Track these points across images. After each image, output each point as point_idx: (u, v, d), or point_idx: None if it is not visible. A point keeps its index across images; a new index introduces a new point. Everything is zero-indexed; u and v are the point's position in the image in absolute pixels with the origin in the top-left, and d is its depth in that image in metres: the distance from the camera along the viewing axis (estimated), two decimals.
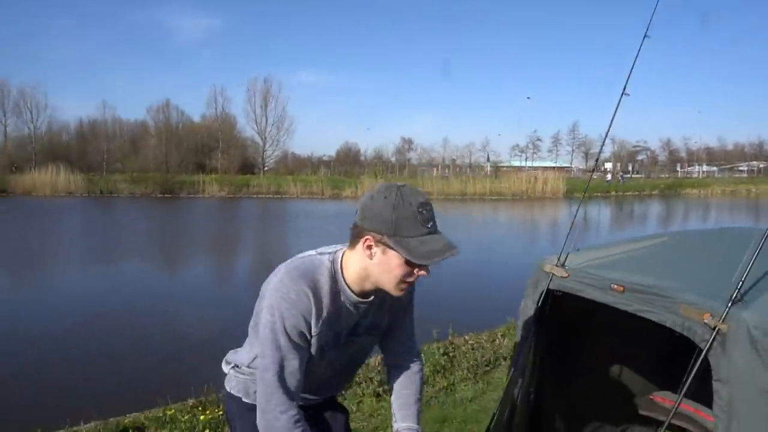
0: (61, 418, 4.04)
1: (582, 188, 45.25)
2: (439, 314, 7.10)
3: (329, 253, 1.49)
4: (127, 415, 4.19)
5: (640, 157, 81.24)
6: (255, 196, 37.97)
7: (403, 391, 1.72)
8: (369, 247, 1.37)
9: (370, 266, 1.41)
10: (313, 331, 1.41)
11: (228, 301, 9.66)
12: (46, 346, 6.79)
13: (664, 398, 3.70)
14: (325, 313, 1.42)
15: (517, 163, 72.72)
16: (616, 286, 2.12)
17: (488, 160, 72.38)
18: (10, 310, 8.72)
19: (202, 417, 4.09)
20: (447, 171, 65.77)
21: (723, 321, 1.75)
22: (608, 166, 69.76)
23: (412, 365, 1.75)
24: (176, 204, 30.67)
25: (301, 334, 1.40)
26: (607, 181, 54.51)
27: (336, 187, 41.42)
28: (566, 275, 2.38)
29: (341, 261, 1.46)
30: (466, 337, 6.15)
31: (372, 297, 1.49)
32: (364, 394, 4.51)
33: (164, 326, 7.71)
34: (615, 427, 3.57)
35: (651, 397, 3.71)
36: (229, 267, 13.78)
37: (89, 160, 45.94)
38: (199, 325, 7.72)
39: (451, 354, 5.60)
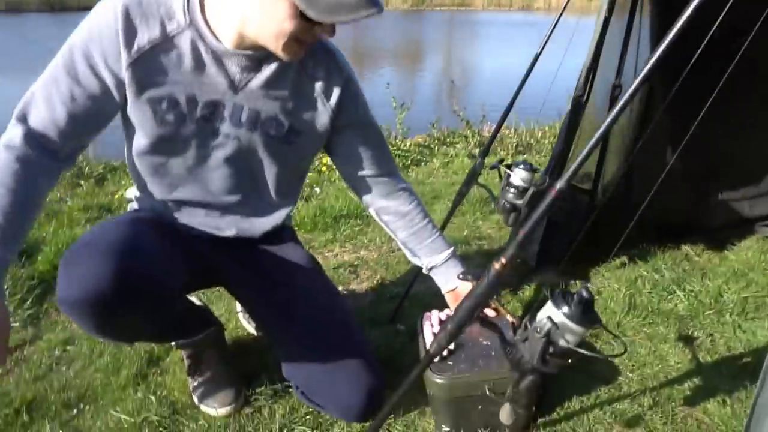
0: None
1: None
2: None
3: None
4: None
5: None
6: (438, 8, 35.98)
7: (410, 237, 1.35)
8: None
9: (247, 8, 0.98)
10: (124, 61, 1.04)
11: None
12: None
13: None
14: (147, 44, 1.04)
15: None
16: None
17: None
18: None
19: None
20: None
21: None
22: None
23: (401, 201, 1.34)
24: None
25: (91, 63, 1.04)
26: None
27: None
28: None
29: None
30: None
31: (251, 53, 1.07)
32: (457, 155, 4.03)
33: None
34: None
35: None
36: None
37: None
38: None
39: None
